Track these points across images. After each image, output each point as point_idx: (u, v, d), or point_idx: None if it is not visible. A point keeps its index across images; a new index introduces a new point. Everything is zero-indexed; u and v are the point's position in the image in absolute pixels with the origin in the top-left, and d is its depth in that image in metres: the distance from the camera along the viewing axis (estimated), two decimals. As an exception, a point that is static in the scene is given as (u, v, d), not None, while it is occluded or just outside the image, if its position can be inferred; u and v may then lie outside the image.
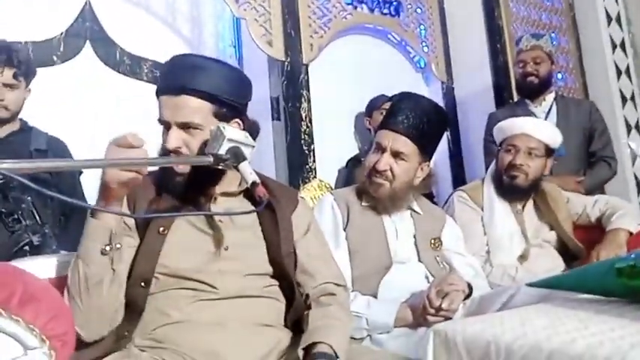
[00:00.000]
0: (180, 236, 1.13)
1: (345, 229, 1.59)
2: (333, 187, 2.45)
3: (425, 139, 1.60)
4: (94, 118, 2.36)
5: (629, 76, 3.53)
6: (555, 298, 1.08)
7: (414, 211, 1.68)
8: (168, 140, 1.12)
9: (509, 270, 1.86)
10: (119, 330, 1.08)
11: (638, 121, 3.50)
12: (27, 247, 1.57)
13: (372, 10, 3.12)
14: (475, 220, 1.98)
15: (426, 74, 3.39)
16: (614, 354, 0.59)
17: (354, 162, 2.74)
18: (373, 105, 2.86)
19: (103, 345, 1.06)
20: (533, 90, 2.66)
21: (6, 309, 0.85)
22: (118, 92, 2.53)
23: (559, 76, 3.50)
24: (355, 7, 3.04)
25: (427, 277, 1.57)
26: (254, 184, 1.04)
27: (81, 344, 1.03)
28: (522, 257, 1.93)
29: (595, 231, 1.98)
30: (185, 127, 1.12)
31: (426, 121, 1.58)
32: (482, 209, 2.00)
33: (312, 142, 2.69)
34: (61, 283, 1.07)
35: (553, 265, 1.93)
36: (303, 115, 2.69)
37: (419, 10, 3.30)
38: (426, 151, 1.63)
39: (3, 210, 1.61)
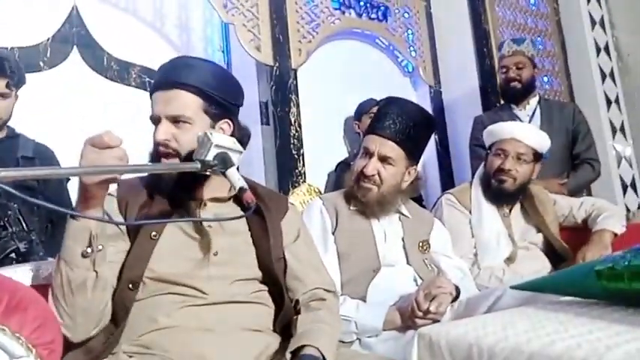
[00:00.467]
0: (169, 241, 1.13)
1: (333, 234, 1.59)
2: (323, 191, 2.46)
3: (412, 143, 1.61)
4: (82, 124, 2.35)
5: (613, 79, 3.58)
6: (539, 300, 1.09)
7: (403, 214, 1.69)
8: (157, 132, 1.12)
9: (497, 272, 1.88)
10: (106, 332, 1.07)
11: (622, 124, 3.55)
12: (13, 255, 1.55)
13: (359, 15, 3.14)
14: (463, 223, 1.99)
15: (413, 78, 3.42)
16: (591, 356, 0.61)
17: (344, 166, 2.75)
18: (362, 109, 2.87)
19: (90, 350, 1.05)
20: (516, 94, 2.70)
21: (-9, 318, 0.84)
22: (105, 98, 2.52)
23: (545, 79, 3.55)
24: (343, 12, 3.06)
25: (416, 280, 1.58)
26: (242, 189, 1.04)
27: (68, 349, 1.03)
28: (509, 259, 1.95)
29: (581, 232, 2.00)
30: (175, 121, 1.13)
31: (413, 126, 1.59)
32: (470, 212, 2.02)
33: (302, 147, 2.70)
34: (48, 290, 1.06)
35: (540, 266, 1.95)
36: (292, 120, 2.70)
37: (406, 15, 3.33)
38: (413, 155, 1.64)
39: (-12, 217, 1.59)
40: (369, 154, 1.60)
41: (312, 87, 2.87)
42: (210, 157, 1.06)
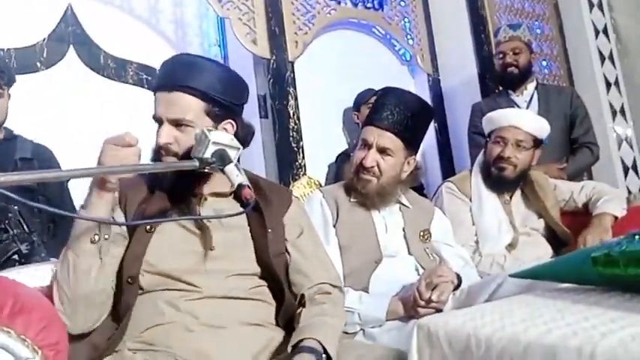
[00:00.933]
0: (167, 236, 1.14)
1: (334, 226, 1.60)
2: (323, 183, 2.47)
3: (410, 133, 1.61)
4: (80, 123, 2.35)
5: (612, 62, 3.56)
6: (540, 286, 1.10)
7: (403, 204, 1.69)
8: (159, 135, 1.14)
9: (498, 259, 1.89)
10: (109, 328, 1.09)
11: (622, 106, 3.54)
12: (16, 257, 1.56)
13: (355, 5, 3.13)
14: (464, 211, 2.00)
15: (411, 67, 3.40)
16: (586, 343, 0.61)
17: (344, 157, 2.75)
18: (360, 99, 2.87)
19: (95, 347, 1.06)
20: (514, 80, 2.69)
21: (-3, 321, 0.86)
22: (103, 96, 2.52)
23: (543, 63, 3.53)
24: (339, 2, 3.04)
25: (417, 270, 1.59)
26: (240, 186, 1.05)
27: (72, 347, 1.04)
28: (511, 246, 1.95)
29: (582, 217, 2.00)
30: (177, 124, 1.13)
31: (410, 116, 1.59)
32: (471, 200, 2.02)
33: (301, 139, 2.70)
34: (52, 291, 1.07)
35: (541, 252, 1.96)
36: (291, 113, 2.69)
37: (402, 3, 3.30)
38: (412, 145, 1.64)
39: (-11, 220, 1.60)
40: (367, 145, 1.60)
41: (310, 79, 2.86)
42: (208, 154, 1.07)
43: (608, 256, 0.80)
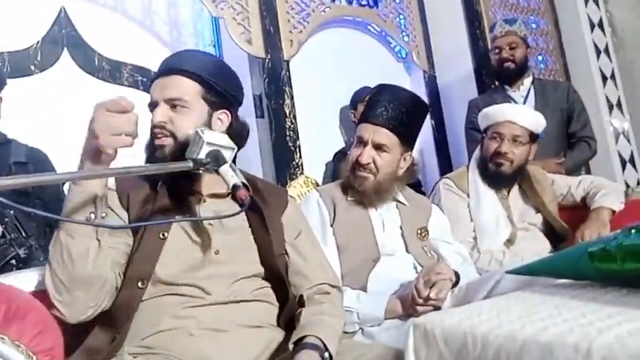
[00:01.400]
0: (173, 240, 1.13)
1: (332, 225, 1.60)
2: (321, 182, 2.46)
3: (405, 129, 1.61)
4: (75, 126, 2.33)
5: (608, 55, 3.56)
6: (538, 282, 1.10)
7: (400, 202, 1.69)
8: (154, 115, 1.13)
9: (497, 255, 1.89)
10: (110, 333, 1.07)
11: (619, 99, 3.53)
12: (13, 261, 1.56)
13: (350, 2, 3.12)
14: (461, 207, 2.00)
15: (407, 64, 3.39)
16: (582, 340, 0.61)
17: (341, 155, 2.74)
18: (357, 97, 2.86)
19: (96, 352, 1.05)
20: (510, 75, 2.69)
21: (-10, 327, 0.85)
22: (98, 99, 2.50)
23: (539, 58, 3.52)
24: (333, 0, 3.02)
25: (415, 268, 1.59)
26: (235, 187, 1.04)
27: (70, 354, 1.03)
28: (509, 241, 1.95)
29: (580, 211, 2.00)
30: (172, 104, 1.13)
31: (405, 112, 1.59)
32: (468, 196, 2.02)
33: (298, 138, 2.69)
34: (47, 296, 1.05)
35: (540, 247, 1.96)
36: (287, 112, 2.69)
37: (397, 0, 3.29)
38: (408, 141, 1.64)
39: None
40: (363, 142, 1.60)
41: (306, 78, 2.85)
42: (202, 155, 1.06)
43: (605, 251, 0.80)
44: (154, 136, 1.15)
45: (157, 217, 1.14)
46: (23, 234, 1.59)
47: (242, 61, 2.70)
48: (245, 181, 1.14)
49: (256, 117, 2.67)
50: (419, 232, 1.66)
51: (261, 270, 1.19)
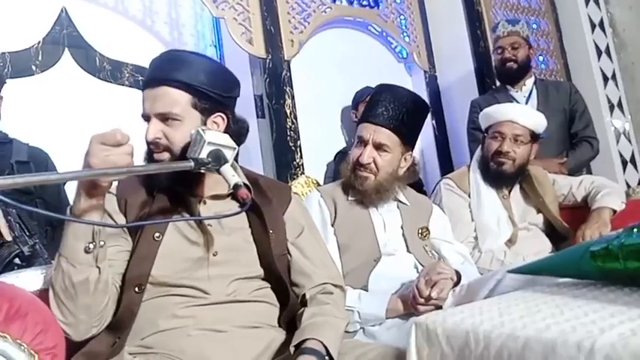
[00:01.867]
0: (169, 242, 1.12)
1: (333, 225, 1.60)
2: (322, 182, 2.46)
3: (406, 128, 1.61)
4: (76, 126, 2.34)
5: (609, 55, 3.55)
6: (539, 281, 1.09)
7: (401, 202, 1.69)
8: (147, 132, 1.12)
9: (498, 255, 1.89)
10: (112, 336, 1.07)
11: (620, 100, 3.53)
12: (17, 260, 1.56)
13: (351, 3, 3.12)
14: (462, 207, 2.00)
15: (408, 64, 3.39)
16: (585, 338, 0.61)
17: (342, 155, 2.74)
18: (359, 97, 2.86)
19: (97, 355, 1.05)
20: (512, 75, 2.69)
21: (-8, 326, 0.85)
22: (99, 99, 2.52)
23: (540, 58, 3.52)
24: (334, 1, 3.03)
25: (417, 267, 1.59)
26: (236, 186, 1.04)
27: (72, 355, 1.03)
28: (510, 241, 1.95)
29: (582, 211, 2.00)
30: (164, 119, 1.11)
31: (406, 111, 1.59)
32: (469, 196, 2.02)
33: (298, 138, 2.70)
34: (48, 294, 1.06)
35: (541, 247, 1.96)
36: (288, 112, 2.69)
37: (398, 0, 3.30)
38: (408, 140, 1.64)
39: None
40: (363, 142, 1.60)
41: (306, 78, 2.86)
42: (203, 154, 1.06)
43: (607, 250, 0.80)
44: (151, 153, 1.14)
45: (154, 219, 1.13)
46: (26, 232, 1.59)
47: (243, 62, 2.71)
48: (246, 181, 1.14)
49: (257, 117, 2.67)
50: (420, 231, 1.66)
51: (261, 271, 1.18)
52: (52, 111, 2.38)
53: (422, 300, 1.38)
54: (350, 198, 1.64)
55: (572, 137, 2.62)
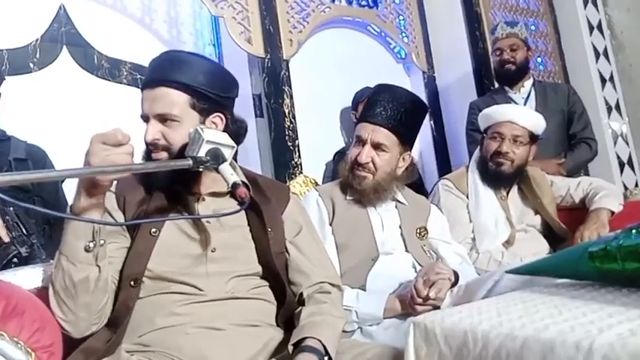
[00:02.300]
0: (167, 239, 1.13)
1: (331, 224, 1.60)
2: (320, 182, 2.46)
3: (404, 128, 1.61)
4: (74, 124, 2.34)
5: (607, 58, 3.56)
6: (537, 282, 1.10)
7: (399, 201, 1.69)
8: (146, 133, 1.12)
9: (496, 255, 1.89)
10: (108, 332, 1.08)
11: (618, 102, 3.54)
12: (15, 260, 1.55)
13: (350, 3, 3.12)
14: (461, 208, 2.00)
15: (407, 65, 3.39)
16: (584, 338, 0.61)
17: (341, 155, 2.74)
18: (358, 98, 2.85)
19: (94, 352, 1.05)
20: (511, 77, 2.70)
21: (-11, 324, 0.85)
22: (97, 97, 2.51)
23: (538, 60, 3.53)
24: (333, 1, 3.03)
25: (415, 267, 1.59)
26: (235, 185, 1.04)
27: (69, 352, 1.03)
28: (508, 242, 1.96)
29: (579, 212, 2.00)
30: (163, 119, 1.12)
31: (404, 111, 1.59)
32: (467, 197, 2.02)
33: (297, 138, 2.69)
34: (46, 292, 1.06)
35: (538, 248, 1.96)
36: (286, 112, 2.68)
37: (397, 1, 3.30)
38: (406, 140, 1.64)
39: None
40: (361, 142, 1.60)
41: (305, 77, 2.85)
42: (202, 153, 1.06)
43: (605, 251, 0.80)
44: (150, 154, 1.15)
45: (153, 216, 1.14)
46: (24, 232, 1.59)
47: (241, 61, 2.71)
48: (245, 180, 1.14)
49: (255, 116, 2.67)
50: (418, 231, 1.67)
51: (259, 269, 1.19)
52: (50, 109, 2.37)
53: (420, 300, 1.38)
54: (348, 197, 1.65)
55: (570, 138, 2.63)
